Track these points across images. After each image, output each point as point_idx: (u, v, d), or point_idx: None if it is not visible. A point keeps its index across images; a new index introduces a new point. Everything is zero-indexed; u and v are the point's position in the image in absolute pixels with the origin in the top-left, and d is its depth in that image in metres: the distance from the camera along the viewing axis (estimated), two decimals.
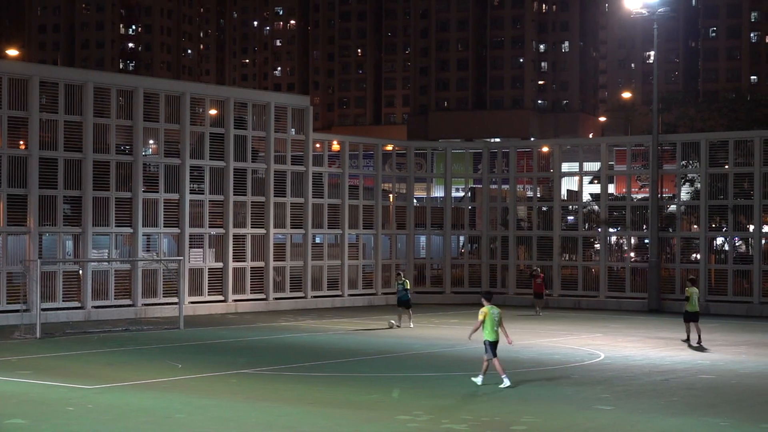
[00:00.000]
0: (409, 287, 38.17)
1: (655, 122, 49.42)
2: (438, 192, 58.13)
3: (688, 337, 33.23)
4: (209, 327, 37.46)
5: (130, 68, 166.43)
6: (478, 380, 22.54)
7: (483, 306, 22.59)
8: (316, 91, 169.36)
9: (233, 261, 45.06)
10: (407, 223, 53.06)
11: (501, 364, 22.45)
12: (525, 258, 52.53)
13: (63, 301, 39.70)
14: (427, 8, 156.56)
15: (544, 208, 52.98)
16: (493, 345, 22.40)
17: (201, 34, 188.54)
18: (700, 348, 31.66)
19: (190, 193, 43.72)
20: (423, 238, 54.67)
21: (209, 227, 44.48)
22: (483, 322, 22.37)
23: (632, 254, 51.11)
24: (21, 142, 40.10)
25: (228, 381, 23.55)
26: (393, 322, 37.46)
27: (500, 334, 22.53)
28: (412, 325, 37.07)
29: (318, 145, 49.73)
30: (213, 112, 45.40)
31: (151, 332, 35.20)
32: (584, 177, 53.90)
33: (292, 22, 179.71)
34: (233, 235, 45.06)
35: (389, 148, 55.54)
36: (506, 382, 22.17)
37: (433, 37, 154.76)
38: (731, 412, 20.08)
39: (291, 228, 47.46)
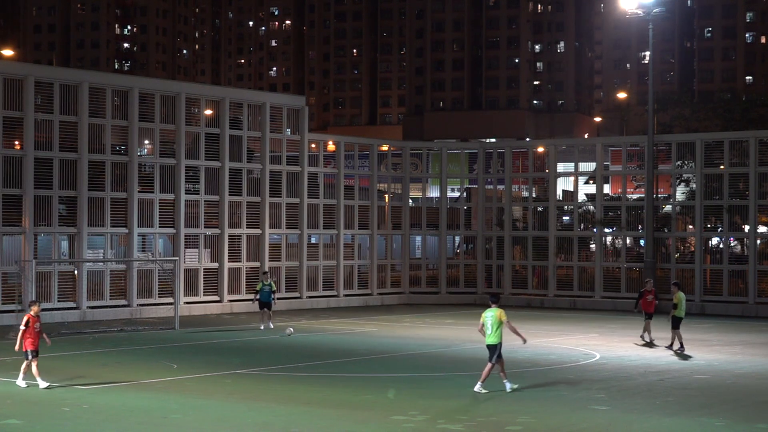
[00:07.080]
0: (275, 289, 36.63)
1: (651, 122, 49.43)
2: (433, 192, 58.13)
3: (672, 343, 32.34)
4: (205, 327, 37.43)
5: (126, 68, 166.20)
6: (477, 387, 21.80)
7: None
8: (311, 92, 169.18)
9: (229, 261, 45.04)
10: (403, 224, 53.03)
11: (489, 371, 21.70)
12: (520, 258, 52.53)
13: (58, 301, 39.68)
14: (422, 9, 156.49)
15: (540, 209, 52.99)
16: (489, 348, 21.92)
17: (196, 34, 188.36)
18: (682, 354, 30.48)
19: (186, 193, 43.69)
20: (419, 239, 54.62)
21: (204, 227, 44.46)
22: (483, 325, 22.04)
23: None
24: (16, 142, 40.09)
25: (223, 381, 23.54)
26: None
27: (501, 335, 21.80)
28: (272, 326, 35.73)
29: (313, 146, 49.70)
30: (208, 112, 45.37)
31: (146, 332, 35.18)
32: (579, 177, 53.93)
33: (288, 22, 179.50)
34: (228, 236, 45.03)
35: (385, 148, 55.54)
36: (507, 386, 21.78)
37: (429, 37, 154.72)
38: (727, 412, 20.09)
39: (286, 228, 47.45)
